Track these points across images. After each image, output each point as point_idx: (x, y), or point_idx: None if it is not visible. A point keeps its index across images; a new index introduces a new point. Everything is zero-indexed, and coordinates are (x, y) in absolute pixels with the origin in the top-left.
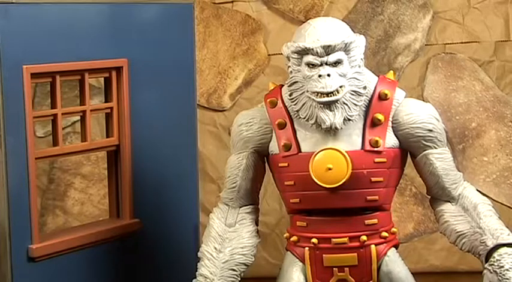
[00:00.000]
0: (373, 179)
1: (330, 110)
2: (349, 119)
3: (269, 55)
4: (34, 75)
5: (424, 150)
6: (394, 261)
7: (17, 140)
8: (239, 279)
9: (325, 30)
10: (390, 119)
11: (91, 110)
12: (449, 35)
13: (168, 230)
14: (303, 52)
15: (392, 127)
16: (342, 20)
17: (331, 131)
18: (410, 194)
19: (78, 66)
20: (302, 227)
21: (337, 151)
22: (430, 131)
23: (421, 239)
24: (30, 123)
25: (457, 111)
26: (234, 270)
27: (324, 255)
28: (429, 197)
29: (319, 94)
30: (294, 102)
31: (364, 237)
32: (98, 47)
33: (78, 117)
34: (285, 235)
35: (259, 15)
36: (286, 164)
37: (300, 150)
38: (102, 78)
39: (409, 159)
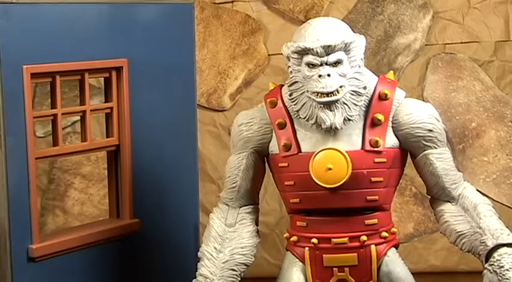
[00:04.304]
0: (373, 179)
1: (330, 110)
2: (349, 119)
3: (269, 55)
4: (34, 75)
5: (424, 150)
6: (394, 261)
7: (17, 140)
8: (239, 279)
9: (325, 30)
10: (390, 119)
11: (91, 110)
12: (449, 35)
13: (168, 230)
14: (303, 52)
15: (392, 127)
16: (342, 20)
17: (331, 131)
18: (410, 194)
19: (78, 66)
20: (302, 227)
21: (337, 151)
22: (430, 131)
23: (421, 239)
24: (30, 123)
25: (457, 111)
26: (234, 270)
27: (324, 255)
28: (429, 197)
29: (319, 94)
30: (294, 102)
31: (364, 237)
32: (98, 47)
33: (78, 117)
34: (285, 235)
35: (259, 15)
36: (286, 164)
37: (300, 150)
38: (102, 78)
39: (409, 159)
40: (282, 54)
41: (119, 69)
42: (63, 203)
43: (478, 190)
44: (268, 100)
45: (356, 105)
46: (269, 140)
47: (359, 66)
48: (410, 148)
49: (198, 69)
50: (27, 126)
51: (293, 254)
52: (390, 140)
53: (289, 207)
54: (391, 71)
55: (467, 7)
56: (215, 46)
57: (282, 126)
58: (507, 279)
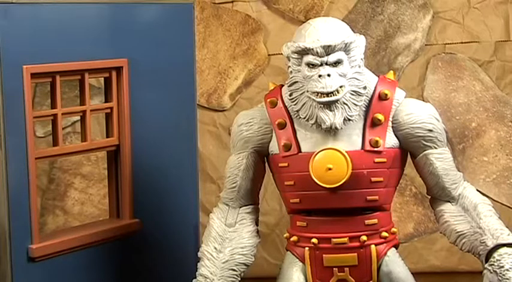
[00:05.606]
0: (373, 179)
1: (330, 110)
2: (349, 119)
3: (269, 55)
4: (34, 75)
5: (424, 150)
6: (394, 261)
7: (17, 140)
8: (239, 279)
9: (325, 30)
10: (390, 119)
11: (91, 110)
12: (449, 35)
13: (168, 230)
14: (303, 52)
15: (392, 127)
16: (342, 20)
17: (331, 131)
18: (410, 194)
19: (78, 66)
20: (302, 227)
21: (337, 151)
22: (430, 131)
23: (421, 239)
24: (30, 123)
25: (457, 111)
26: (234, 270)
27: (324, 255)
28: (429, 197)
29: (319, 94)
30: (294, 102)
31: (364, 237)
32: (98, 47)
33: (78, 117)
34: (285, 235)
35: (259, 15)
36: (286, 164)
37: (300, 150)
38: (102, 78)
39: (409, 159)
40: (282, 54)
41: (119, 69)
42: (63, 203)
43: (478, 190)
44: (268, 100)
45: (356, 105)
46: (269, 140)
47: (359, 66)
48: (411, 148)
49: (198, 69)
50: (27, 126)
51: (293, 254)
52: (390, 140)
53: (289, 207)
54: (391, 71)
55: (467, 7)
56: (215, 46)
57: (282, 126)
58: (507, 279)
